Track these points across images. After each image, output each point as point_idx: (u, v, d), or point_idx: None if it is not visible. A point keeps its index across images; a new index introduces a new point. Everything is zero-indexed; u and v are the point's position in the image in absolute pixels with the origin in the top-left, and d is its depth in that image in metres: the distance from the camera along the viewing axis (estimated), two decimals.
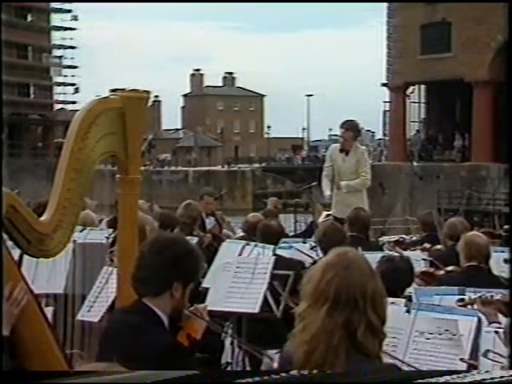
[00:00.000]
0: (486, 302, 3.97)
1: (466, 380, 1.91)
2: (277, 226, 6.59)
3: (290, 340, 2.49)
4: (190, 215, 7.16)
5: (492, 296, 4.08)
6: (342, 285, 2.37)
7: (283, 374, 1.89)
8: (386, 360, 2.73)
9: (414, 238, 7.98)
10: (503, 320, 3.86)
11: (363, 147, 9.16)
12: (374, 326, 2.36)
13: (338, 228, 6.16)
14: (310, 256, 6.08)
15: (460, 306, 3.92)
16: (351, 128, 8.69)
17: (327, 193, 8.81)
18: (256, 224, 6.84)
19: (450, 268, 5.50)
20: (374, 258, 4.82)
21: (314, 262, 5.70)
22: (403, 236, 8.87)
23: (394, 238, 8.50)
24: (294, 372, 1.94)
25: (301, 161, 59.39)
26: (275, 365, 3.08)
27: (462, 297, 4.09)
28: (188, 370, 2.81)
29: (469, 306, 3.92)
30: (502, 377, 1.94)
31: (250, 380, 1.83)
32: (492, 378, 1.91)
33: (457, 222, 6.70)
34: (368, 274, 2.43)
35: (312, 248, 6.48)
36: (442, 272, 5.54)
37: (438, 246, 6.68)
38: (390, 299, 3.60)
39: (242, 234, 7.64)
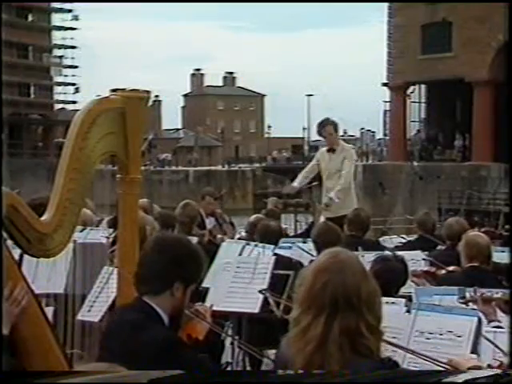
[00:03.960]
0: (486, 300, 3.97)
1: (464, 380, 1.91)
2: (276, 227, 6.60)
3: (284, 343, 2.47)
4: (188, 215, 7.15)
5: (493, 294, 4.07)
6: (338, 290, 2.35)
7: (282, 374, 1.90)
8: (389, 353, 2.73)
9: (412, 239, 7.96)
10: (503, 318, 3.86)
11: (350, 145, 9.14)
12: (372, 325, 2.36)
13: (333, 227, 6.17)
14: (311, 254, 6.09)
15: (461, 303, 3.92)
16: (328, 123, 8.75)
17: (294, 184, 9.04)
18: (256, 224, 6.86)
19: (451, 268, 5.49)
20: (368, 257, 4.88)
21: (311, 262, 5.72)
22: (403, 236, 8.85)
23: (394, 237, 8.49)
24: (292, 372, 1.95)
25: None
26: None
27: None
28: (187, 364, 2.83)
29: (470, 304, 3.92)
30: (501, 377, 1.94)
31: (249, 380, 1.83)
32: (491, 378, 1.92)
33: (453, 221, 6.70)
34: (361, 275, 2.41)
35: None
36: (443, 272, 5.54)
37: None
38: (391, 299, 3.61)
39: (243, 234, 7.66)
